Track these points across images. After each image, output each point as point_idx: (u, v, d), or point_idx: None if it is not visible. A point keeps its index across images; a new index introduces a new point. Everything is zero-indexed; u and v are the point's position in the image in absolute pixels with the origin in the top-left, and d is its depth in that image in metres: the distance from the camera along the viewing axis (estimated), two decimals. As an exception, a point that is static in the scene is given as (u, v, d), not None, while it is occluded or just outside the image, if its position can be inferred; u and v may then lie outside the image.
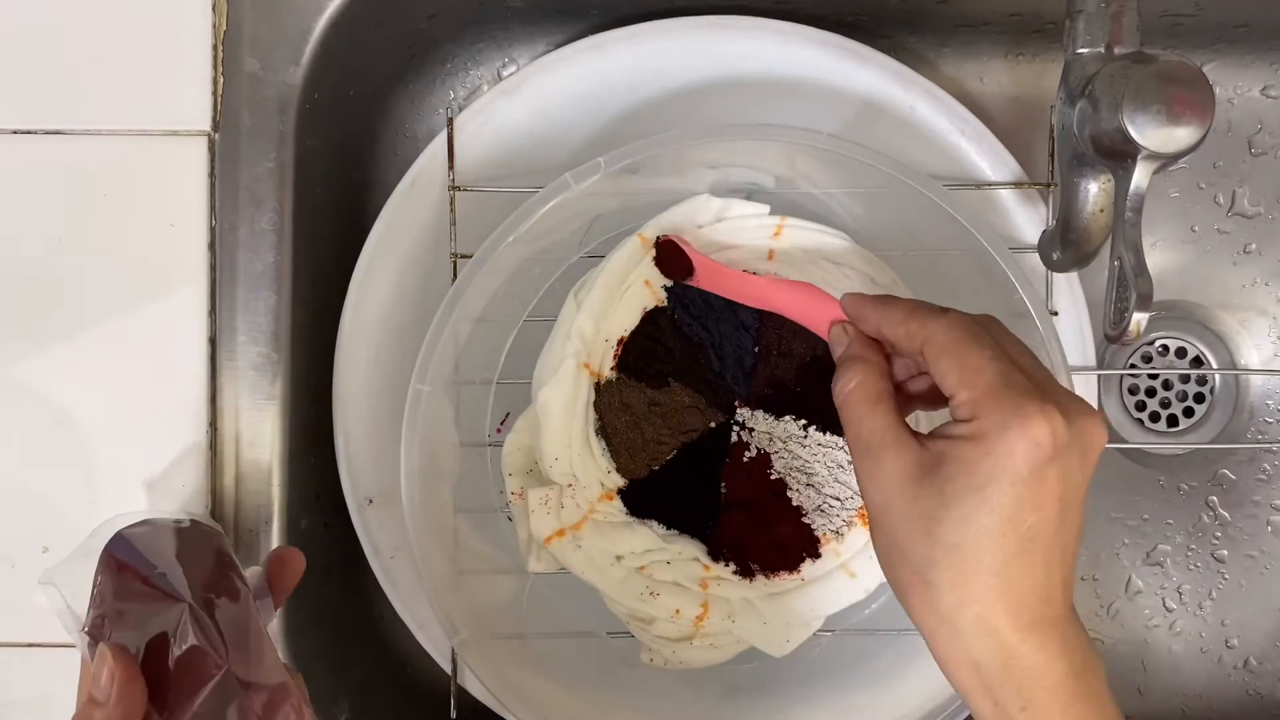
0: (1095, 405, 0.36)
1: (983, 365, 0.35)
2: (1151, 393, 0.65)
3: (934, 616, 0.35)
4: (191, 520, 0.46)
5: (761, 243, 0.51)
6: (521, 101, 0.53)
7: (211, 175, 0.53)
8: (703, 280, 0.49)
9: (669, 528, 0.51)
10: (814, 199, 0.52)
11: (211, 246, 0.53)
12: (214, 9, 0.53)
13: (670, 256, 0.49)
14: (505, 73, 0.64)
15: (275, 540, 0.54)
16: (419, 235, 0.54)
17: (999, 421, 0.34)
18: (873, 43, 0.54)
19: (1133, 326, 0.42)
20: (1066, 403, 0.35)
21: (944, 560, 0.34)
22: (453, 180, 0.53)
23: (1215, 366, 0.64)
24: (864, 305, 0.41)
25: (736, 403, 0.51)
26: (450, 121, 0.53)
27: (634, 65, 0.53)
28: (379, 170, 0.64)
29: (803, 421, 0.51)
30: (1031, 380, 0.35)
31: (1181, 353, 0.65)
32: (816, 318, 0.44)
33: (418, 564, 0.47)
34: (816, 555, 0.51)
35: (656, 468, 0.51)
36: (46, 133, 0.52)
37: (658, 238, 0.49)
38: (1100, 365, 0.59)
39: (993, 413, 0.34)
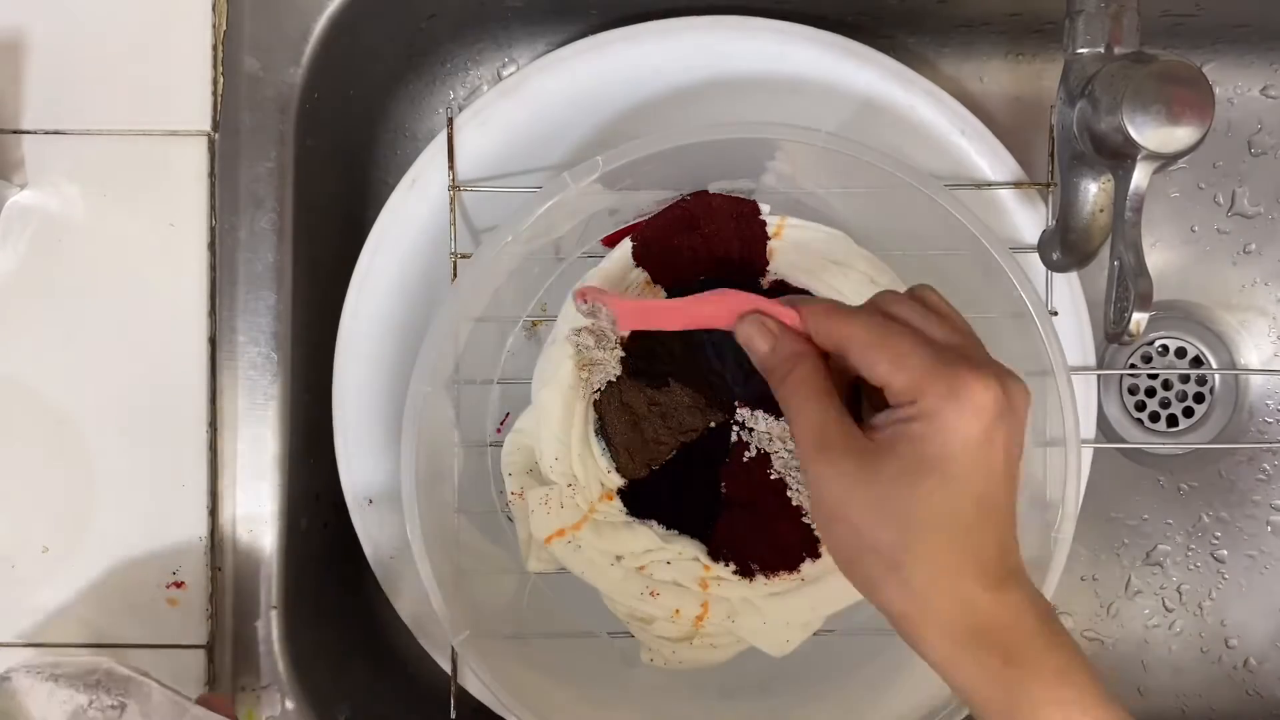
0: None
1: (911, 350, 0.36)
2: (1151, 393, 0.65)
3: (908, 599, 0.36)
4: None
5: (761, 243, 0.51)
6: (521, 101, 0.53)
7: (211, 175, 0.53)
8: (627, 322, 0.45)
9: (669, 528, 0.51)
10: (814, 198, 0.52)
11: (211, 246, 0.53)
12: (214, 9, 0.53)
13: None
14: (505, 73, 0.64)
15: (276, 540, 0.54)
16: (419, 235, 0.54)
17: (943, 394, 0.35)
18: (873, 43, 0.54)
19: (1133, 326, 0.42)
20: (996, 368, 0.36)
21: (914, 540, 0.35)
22: (453, 180, 0.53)
23: (1215, 366, 0.64)
24: (783, 304, 0.40)
25: (736, 403, 0.51)
26: (450, 121, 0.53)
27: (634, 65, 0.54)
28: (379, 170, 0.64)
29: (803, 421, 0.51)
30: (960, 353, 0.36)
31: (1181, 353, 0.65)
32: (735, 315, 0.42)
33: (418, 564, 0.47)
34: (816, 555, 0.51)
35: (656, 468, 0.50)
36: (46, 133, 0.52)
37: (574, 293, 0.45)
38: (1100, 365, 0.59)
39: (934, 388, 0.35)
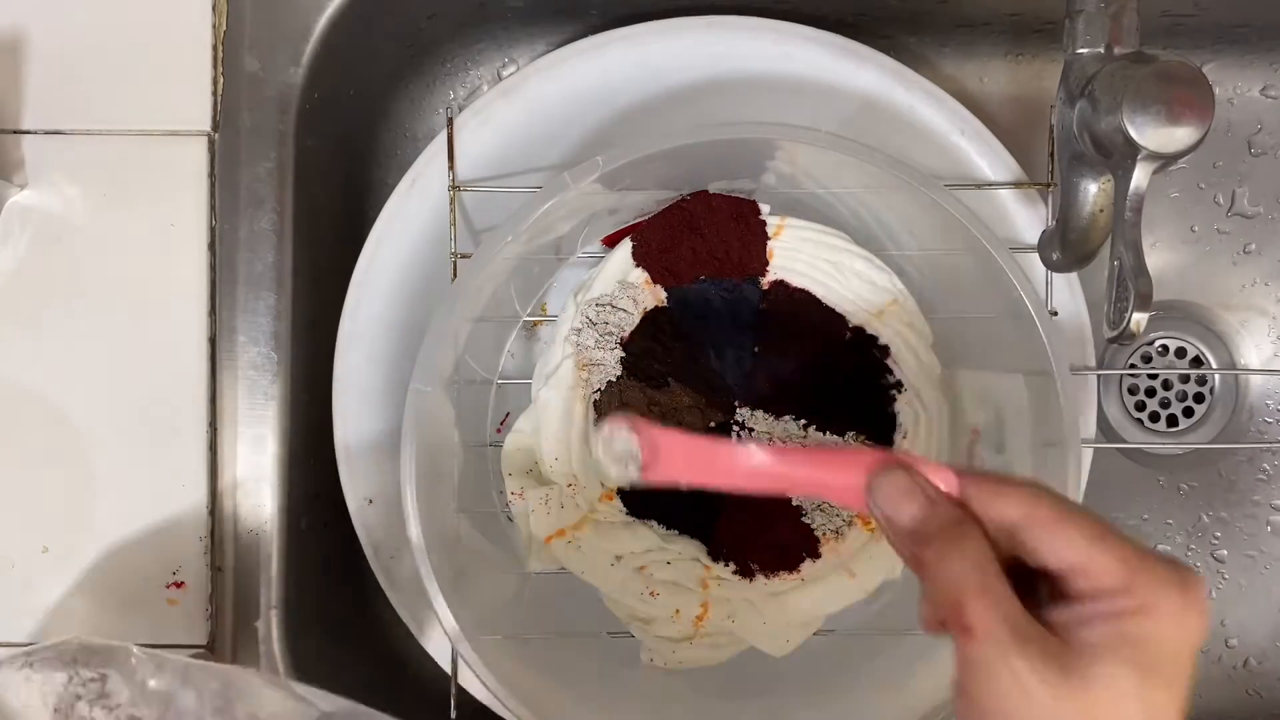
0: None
1: (1107, 531, 0.29)
2: (1151, 393, 0.65)
3: None
4: None
5: (761, 243, 0.51)
6: (521, 101, 0.53)
7: (211, 175, 0.53)
8: (660, 470, 0.37)
9: (669, 528, 0.51)
10: (814, 198, 0.52)
11: (211, 246, 0.53)
12: (214, 9, 0.53)
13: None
14: (505, 73, 0.64)
15: (276, 541, 0.54)
16: (419, 235, 0.54)
17: (1163, 583, 0.29)
18: (873, 43, 0.54)
19: (1133, 326, 0.42)
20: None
21: None
22: (453, 180, 0.53)
23: (1215, 366, 0.64)
24: (927, 464, 0.33)
25: (736, 403, 0.51)
26: (450, 121, 0.53)
27: (633, 65, 0.53)
28: (379, 170, 0.64)
29: (803, 421, 0.51)
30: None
31: (1181, 353, 0.64)
32: (838, 486, 0.35)
33: (418, 564, 0.47)
34: (816, 555, 0.51)
35: (656, 468, 0.50)
36: (46, 133, 0.52)
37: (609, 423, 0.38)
38: (1100, 365, 0.59)
39: (1149, 577, 0.29)
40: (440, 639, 0.54)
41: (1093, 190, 0.47)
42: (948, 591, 0.30)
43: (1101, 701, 0.28)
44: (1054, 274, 0.53)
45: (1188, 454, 0.64)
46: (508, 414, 0.55)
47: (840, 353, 0.51)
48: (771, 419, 0.51)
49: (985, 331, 0.51)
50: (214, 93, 0.53)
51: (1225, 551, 0.64)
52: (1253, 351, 0.64)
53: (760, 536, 0.51)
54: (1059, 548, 0.30)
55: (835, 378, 0.51)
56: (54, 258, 0.52)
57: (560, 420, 0.50)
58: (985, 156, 0.54)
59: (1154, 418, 0.65)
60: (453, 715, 0.53)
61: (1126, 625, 0.29)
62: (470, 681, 0.53)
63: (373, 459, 0.54)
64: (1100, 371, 0.59)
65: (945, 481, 0.33)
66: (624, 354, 0.50)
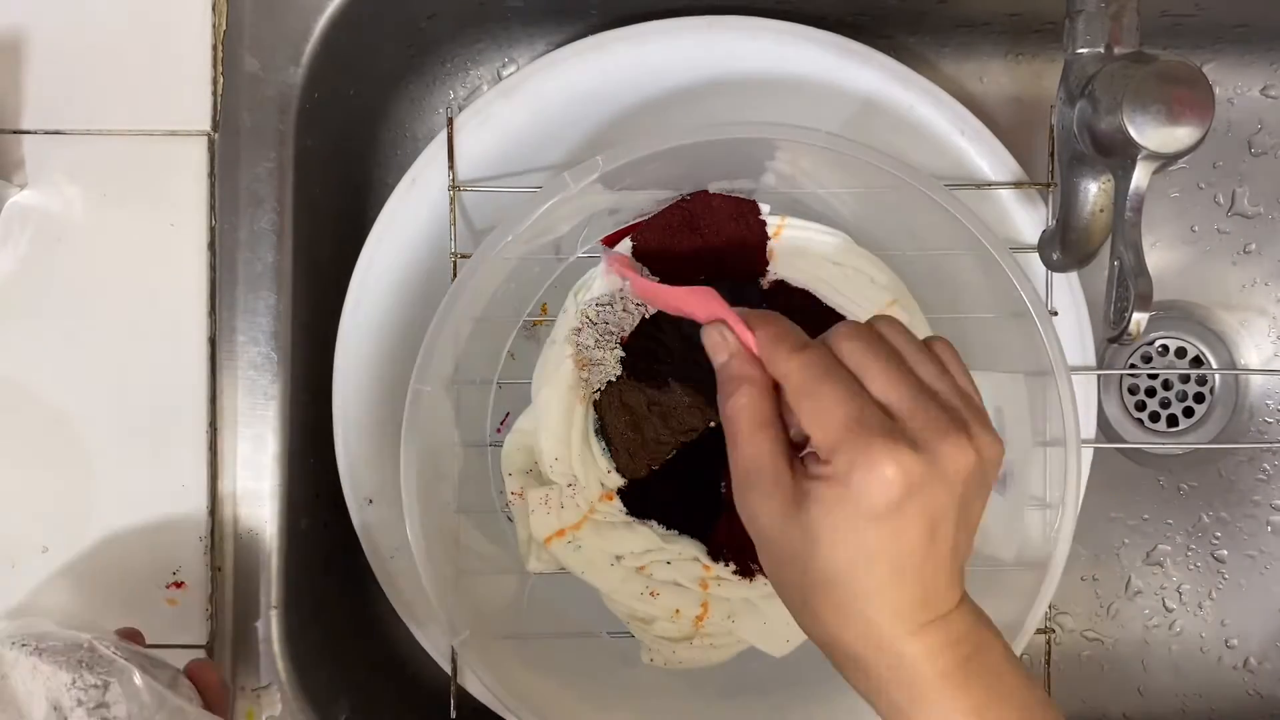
0: (975, 426, 0.36)
1: (834, 406, 0.35)
2: (1151, 393, 0.65)
3: (821, 636, 0.37)
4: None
5: (761, 243, 0.51)
6: (521, 101, 0.53)
7: (211, 175, 0.53)
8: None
9: (669, 528, 0.51)
10: (814, 198, 0.52)
11: (211, 246, 0.53)
12: (214, 9, 0.53)
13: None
14: (505, 73, 0.64)
15: (276, 540, 0.54)
16: (419, 235, 0.54)
17: (848, 464, 0.34)
18: (873, 43, 0.54)
19: (1133, 326, 0.42)
20: (926, 434, 0.35)
21: (820, 591, 0.36)
22: (452, 180, 0.53)
23: (1215, 366, 0.64)
24: (755, 319, 0.39)
25: (736, 403, 0.51)
26: (450, 121, 0.53)
27: (634, 65, 0.54)
28: (379, 170, 0.64)
29: (803, 421, 0.51)
30: (888, 415, 0.35)
31: (1181, 353, 0.65)
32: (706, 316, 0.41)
33: (418, 564, 0.47)
34: (816, 555, 0.51)
35: (656, 468, 0.50)
36: (46, 133, 0.52)
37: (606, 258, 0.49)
38: (1100, 365, 0.59)
39: (842, 455, 0.34)
40: (440, 639, 0.54)
41: (1093, 190, 0.47)
42: (726, 426, 0.38)
43: (799, 538, 0.36)
44: (1054, 274, 0.53)
45: (1188, 454, 0.64)
46: (508, 414, 0.55)
47: (840, 353, 0.51)
48: (771, 419, 0.51)
49: (985, 331, 0.51)
50: (214, 93, 0.53)
51: (1225, 551, 0.64)
52: (1253, 351, 0.64)
53: (760, 536, 0.50)
54: (797, 414, 0.36)
55: (835, 378, 0.51)
56: (54, 258, 0.52)
57: (560, 420, 0.50)
58: (985, 156, 0.54)
59: (1154, 418, 0.65)
60: (453, 715, 0.53)
61: (817, 487, 0.35)
62: (470, 681, 0.54)
63: (373, 459, 0.54)
64: (1100, 371, 0.59)
65: (749, 339, 0.38)
66: (624, 354, 0.50)
